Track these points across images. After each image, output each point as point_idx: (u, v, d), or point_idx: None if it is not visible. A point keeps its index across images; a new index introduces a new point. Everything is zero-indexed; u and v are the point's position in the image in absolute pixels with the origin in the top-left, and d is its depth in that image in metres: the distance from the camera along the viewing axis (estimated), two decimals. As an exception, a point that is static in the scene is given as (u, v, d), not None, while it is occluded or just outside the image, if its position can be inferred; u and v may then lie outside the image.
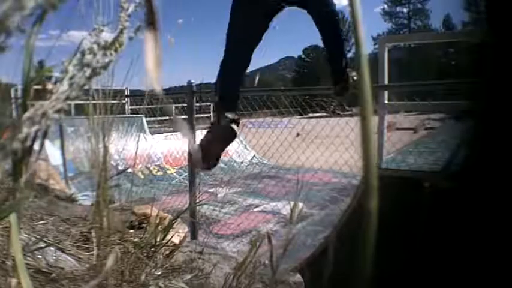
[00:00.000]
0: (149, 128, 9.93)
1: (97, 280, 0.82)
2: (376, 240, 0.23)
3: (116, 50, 0.40)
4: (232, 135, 2.13)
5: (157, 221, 1.22)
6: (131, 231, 1.39)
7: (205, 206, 4.82)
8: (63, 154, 4.87)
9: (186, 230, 1.58)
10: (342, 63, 2.55)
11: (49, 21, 0.38)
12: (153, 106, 7.83)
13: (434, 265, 0.62)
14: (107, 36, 0.41)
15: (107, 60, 0.40)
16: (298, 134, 5.39)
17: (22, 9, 0.26)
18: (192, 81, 3.41)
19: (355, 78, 2.75)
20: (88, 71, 0.36)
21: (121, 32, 0.41)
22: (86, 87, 0.38)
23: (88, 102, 0.98)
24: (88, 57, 0.37)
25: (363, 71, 0.23)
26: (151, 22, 0.28)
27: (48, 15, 0.37)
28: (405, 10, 44.19)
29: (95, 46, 0.39)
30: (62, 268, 0.99)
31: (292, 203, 1.02)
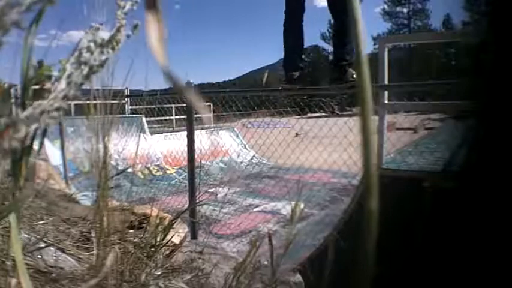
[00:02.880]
0: (149, 128, 9.93)
1: (96, 280, 0.82)
2: (377, 241, 0.23)
3: (113, 48, 0.40)
4: None
5: (157, 221, 1.22)
6: (131, 231, 1.38)
7: (205, 206, 4.82)
8: (63, 154, 4.86)
9: (186, 230, 1.57)
10: (343, 52, 2.68)
11: (48, 20, 0.38)
12: (153, 106, 7.83)
13: (434, 265, 0.62)
14: (104, 34, 0.41)
15: (103, 58, 0.39)
16: (297, 134, 5.39)
17: (19, 5, 0.26)
18: (192, 81, 3.41)
19: (355, 76, 2.77)
20: (86, 69, 0.36)
21: (118, 30, 0.41)
22: (85, 87, 0.38)
23: (88, 102, 0.98)
24: (85, 55, 0.37)
25: (363, 71, 0.23)
26: (152, 3, 0.28)
27: (47, 15, 0.36)
28: (405, 10, 44.14)
29: (92, 44, 0.39)
30: (62, 268, 0.99)
31: (292, 203, 1.02)
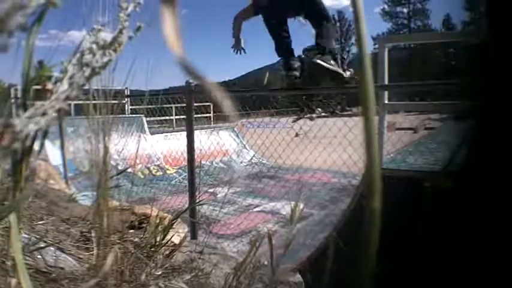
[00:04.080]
0: (149, 128, 9.92)
1: (96, 280, 0.82)
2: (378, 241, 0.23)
3: (115, 50, 0.40)
4: None
5: (157, 221, 1.22)
6: (131, 231, 1.38)
7: (205, 206, 4.82)
8: (63, 154, 4.86)
9: (186, 230, 1.57)
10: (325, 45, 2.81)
11: (48, 20, 0.38)
12: (153, 106, 7.83)
13: (434, 265, 0.62)
14: (106, 36, 0.41)
15: (106, 59, 0.39)
16: (297, 134, 5.39)
17: (24, 8, 0.26)
18: (191, 81, 3.41)
19: (356, 76, 2.79)
20: (87, 71, 0.36)
21: (120, 32, 0.41)
22: (86, 87, 0.38)
23: (88, 102, 0.97)
24: (87, 56, 0.37)
25: (365, 72, 0.23)
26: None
27: (49, 15, 0.36)
28: (405, 10, 44.11)
29: (94, 46, 0.38)
30: (62, 268, 0.99)
31: (292, 203, 1.02)
